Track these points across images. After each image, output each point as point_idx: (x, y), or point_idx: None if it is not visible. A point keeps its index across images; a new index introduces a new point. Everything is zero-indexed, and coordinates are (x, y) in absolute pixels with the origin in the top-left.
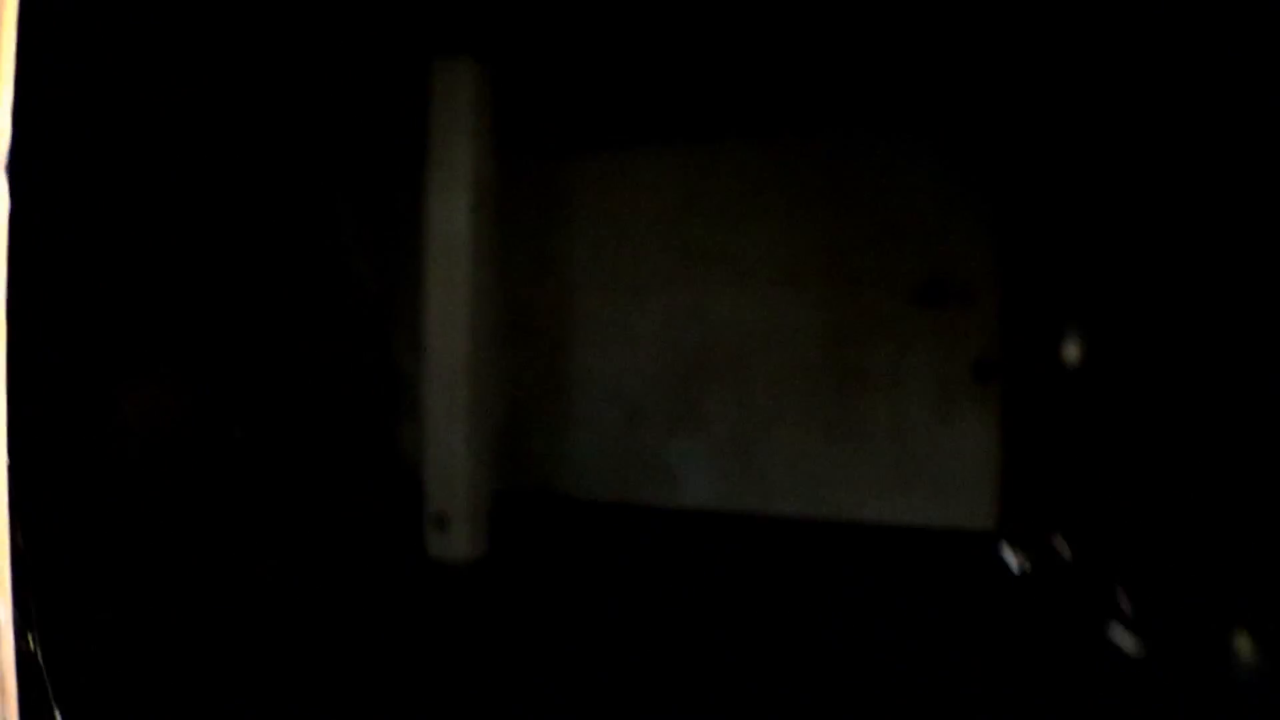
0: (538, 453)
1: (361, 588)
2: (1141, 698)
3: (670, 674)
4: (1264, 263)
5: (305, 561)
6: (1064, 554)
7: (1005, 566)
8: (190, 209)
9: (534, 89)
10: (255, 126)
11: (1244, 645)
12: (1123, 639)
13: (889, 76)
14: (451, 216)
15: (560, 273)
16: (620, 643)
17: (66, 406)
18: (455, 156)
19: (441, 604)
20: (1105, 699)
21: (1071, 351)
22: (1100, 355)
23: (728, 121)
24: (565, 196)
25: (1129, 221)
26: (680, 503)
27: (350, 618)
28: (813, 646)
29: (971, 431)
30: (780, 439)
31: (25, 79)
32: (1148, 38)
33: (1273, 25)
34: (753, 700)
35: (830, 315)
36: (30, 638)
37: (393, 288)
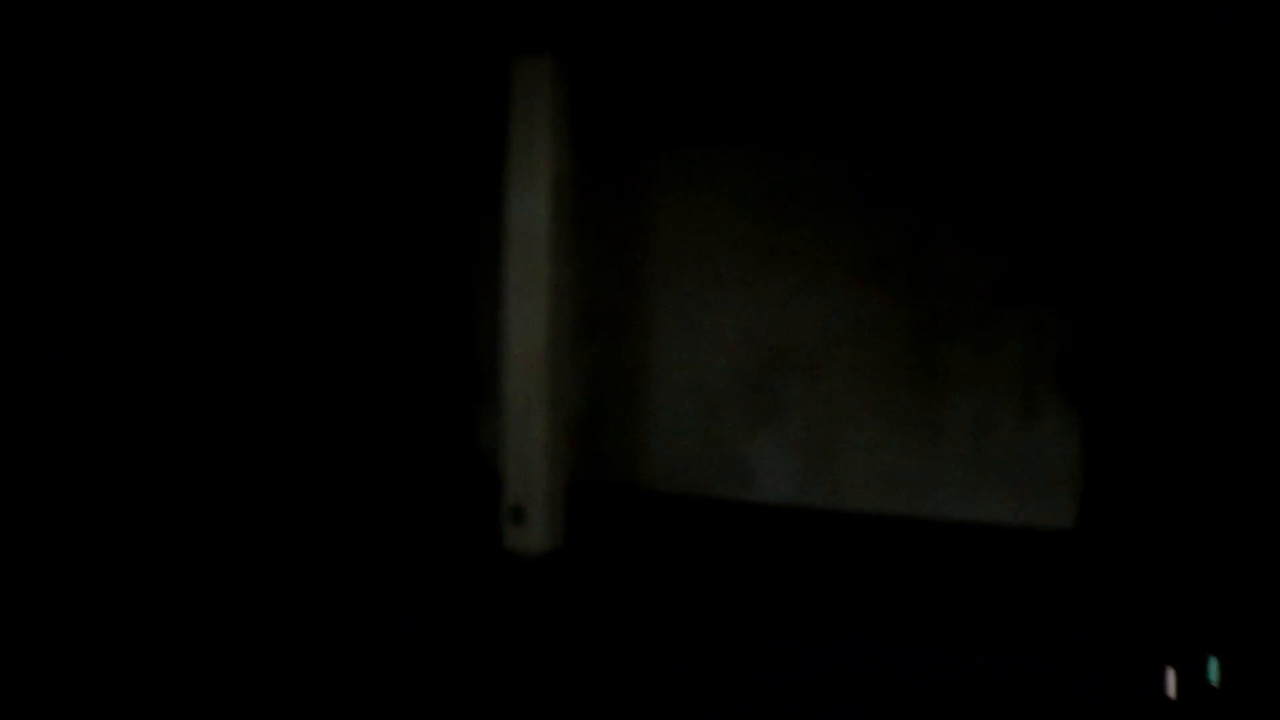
0: (615, 446)
1: (439, 579)
2: None
3: (741, 665)
4: None
5: (384, 554)
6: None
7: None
8: (272, 205)
9: (615, 87)
10: (337, 124)
11: None
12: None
13: (973, 76)
14: (530, 212)
15: (640, 268)
16: (692, 634)
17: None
18: (534, 153)
19: (517, 596)
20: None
21: (1156, 353)
22: (1184, 358)
23: (809, 120)
24: (645, 193)
25: (1222, 226)
26: (757, 498)
27: (428, 608)
28: (887, 641)
29: (1053, 430)
30: (859, 435)
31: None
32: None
33: None
34: (817, 691)
35: (912, 312)
36: None
37: (472, 283)
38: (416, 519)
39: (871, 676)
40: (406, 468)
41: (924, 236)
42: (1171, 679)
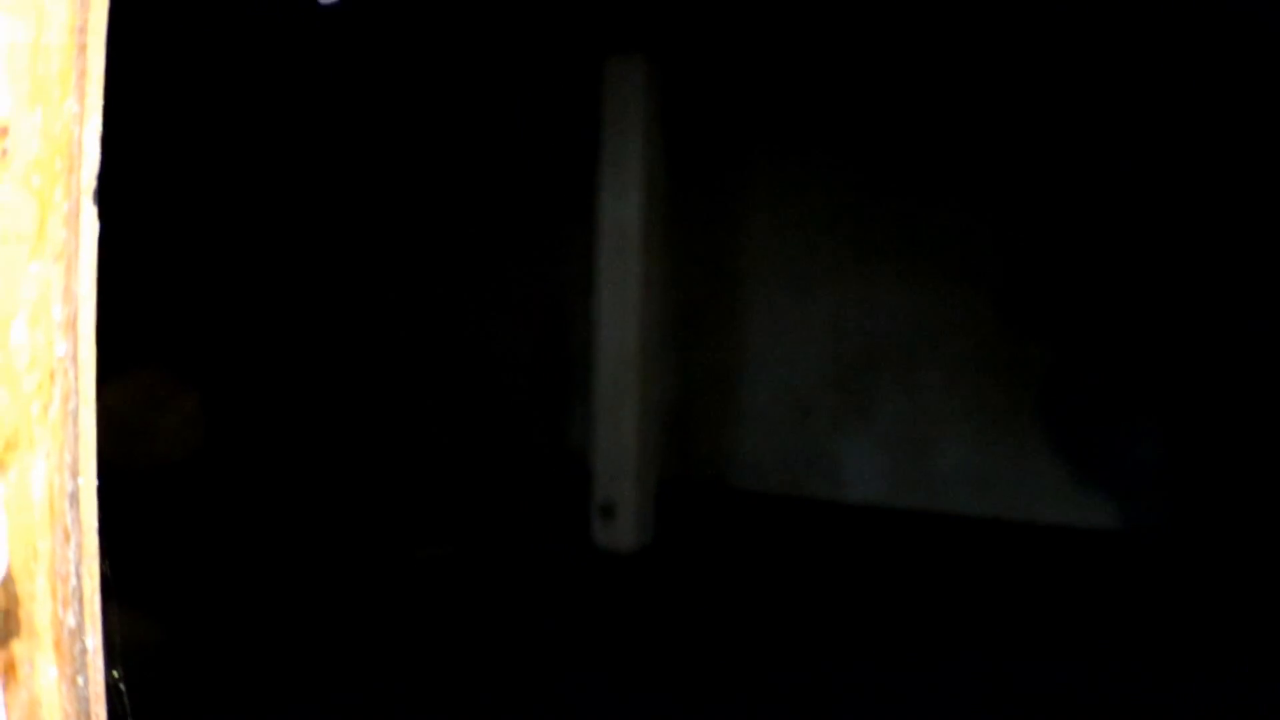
0: (705, 444)
1: (530, 574)
2: None
3: (830, 666)
4: None
5: (476, 548)
6: None
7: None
8: (370, 204)
9: (709, 86)
10: (430, 123)
11: None
12: None
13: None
14: (623, 210)
15: (732, 266)
16: (780, 631)
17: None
18: (626, 152)
19: (607, 592)
20: None
21: (1241, 350)
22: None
23: (901, 120)
24: (737, 191)
25: None
26: (846, 497)
27: (520, 603)
28: (977, 644)
29: (1147, 431)
30: (950, 435)
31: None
32: None
33: None
34: (900, 690)
35: (1002, 310)
36: (116, 671)
37: (565, 281)
38: (508, 515)
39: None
40: (499, 464)
41: (1019, 235)
42: None
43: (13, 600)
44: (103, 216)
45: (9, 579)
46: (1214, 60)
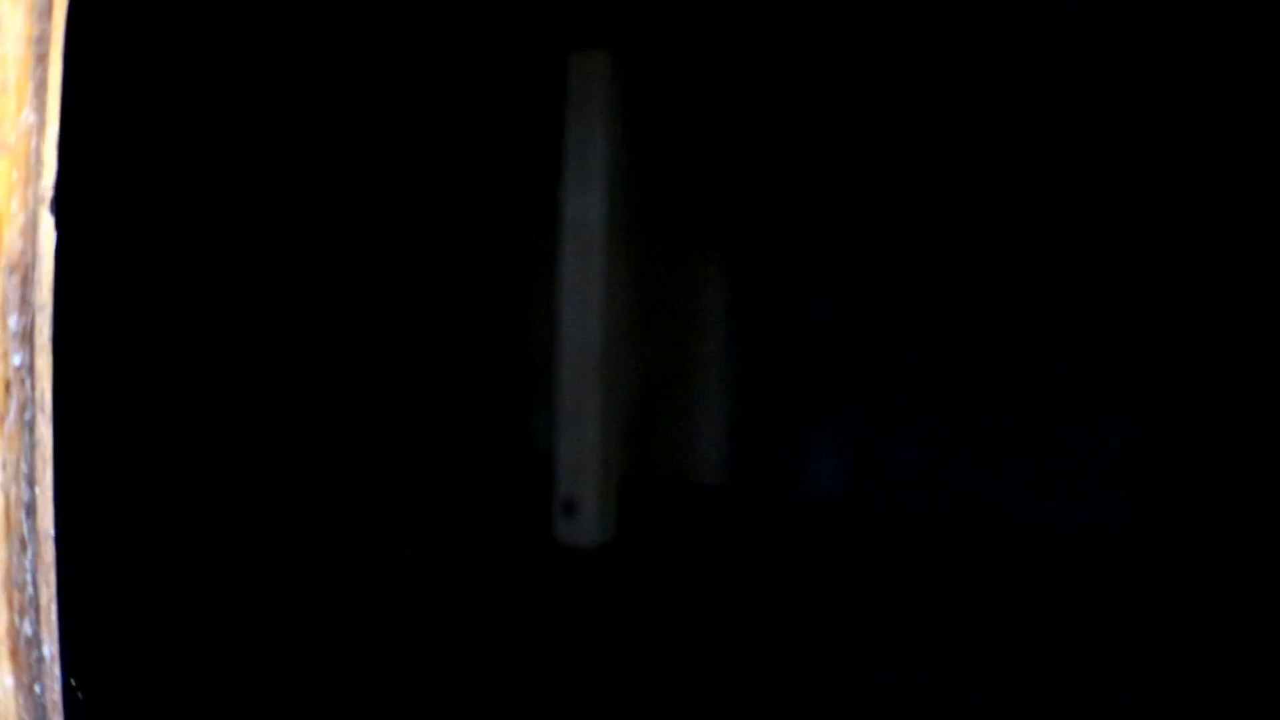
0: (667, 441)
1: (488, 571)
2: None
3: (793, 662)
4: None
5: (433, 545)
6: None
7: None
8: (321, 204)
9: (674, 83)
10: (388, 119)
11: None
12: None
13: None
14: (586, 208)
15: (695, 264)
16: (740, 627)
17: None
18: (589, 148)
19: (567, 588)
20: None
21: (1215, 345)
22: (1232, 345)
23: (870, 121)
24: (702, 189)
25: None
26: (808, 494)
27: (478, 599)
28: (935, 643)
29: (1115, 427)
30: (911, 432)
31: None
32: None
33: None
34: (862, 689)
35: (967, 309)
36: (73, 680)
37: (527, 279)
38: (470, 513)
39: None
40: (460, 462)
41: (979, 230)
42: None
43: None
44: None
45: None
46: (1172, 60)
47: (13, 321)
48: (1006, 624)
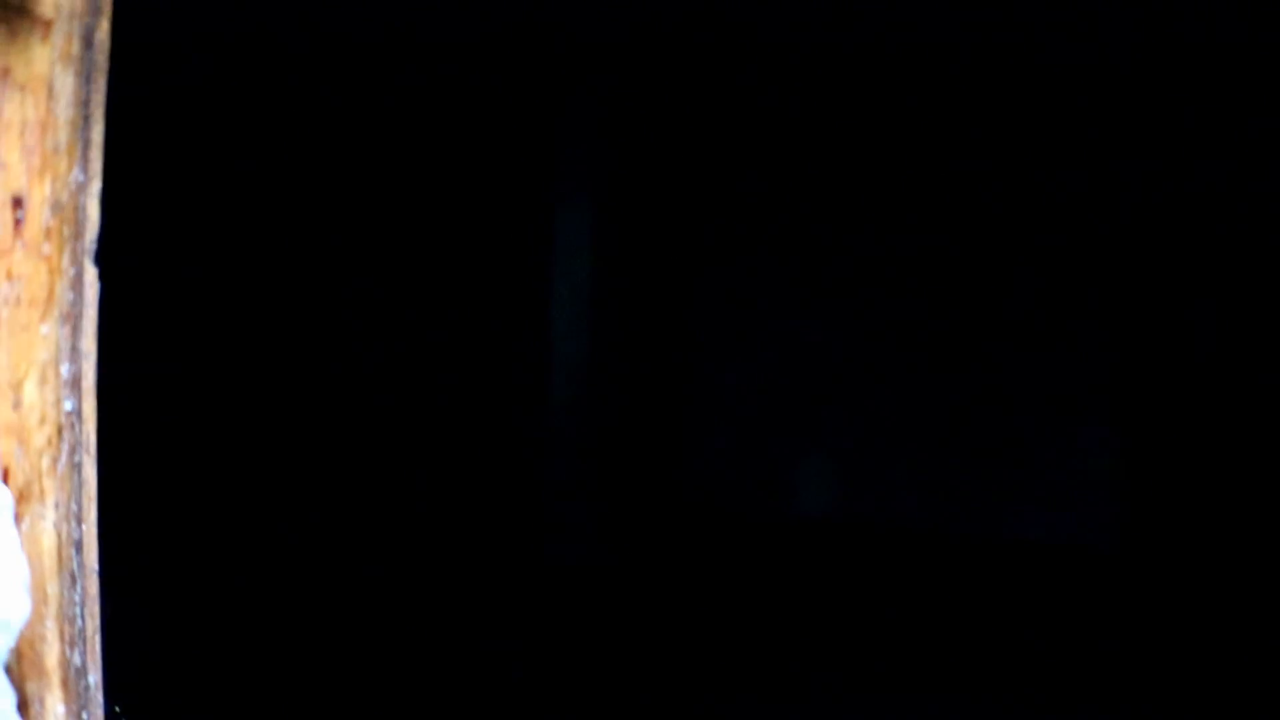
0: (656, 461)
1: (481, 591)
2: None
3: (787, 682)
4: None
5: (425, 565)
6: None
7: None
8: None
9: (664, 99)
10: (383, 131)
11: None
12: None
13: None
14: (578, 223)
15: (684, 283)
16: (732, 650)
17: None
18: (580, 164)
19: (556, 609)
20: None
21: (1199, 359)
22: (1217, 364)
23: (857, 141)
24: (692, 208)
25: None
26: (798, 513)
27: (469, 619)
28: (928, 665)
29: (1099, 447)
30: (901, 451)
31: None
32: None
33: None
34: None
35: (958, 323)
36: (117, 707)
37: (517, 295)
38: (459, 532)
39: None
40: (449, 480)
41: (965, 245)
42: None
43: (25, 642)
44: None
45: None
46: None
47: (65, 369)
48: (990, 640)
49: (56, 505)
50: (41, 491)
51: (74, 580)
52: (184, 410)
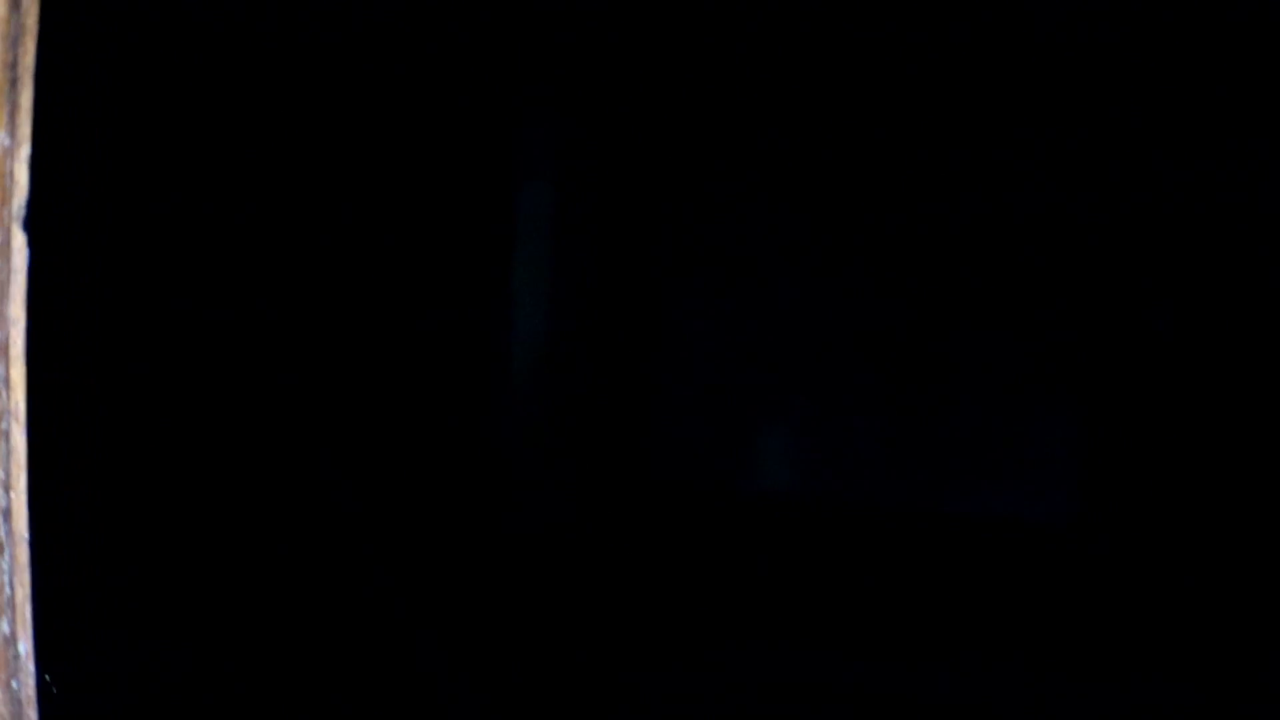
0: (621, 433)
1: (439, 561)
2: None
3: (734, 651)
4: None
5: (387, 534)
6: None
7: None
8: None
9: (630, 73)
10: (343, 114)
11: None
12: None
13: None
14: (541, 205)
15: (649, 257)
16: (694, 624)
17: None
18: (542, 140)
19: (516, 581)
20: None
21: (1156, 334)
22: (1193, 334)
23: (827, 124)
24: (657, 182)
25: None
26: (760, 487)
27: (429, 591)
28: (882, 643)
29: (1058, 421)
30: (867, 428)
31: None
32: None
33: None
34: (806, 678)
35: (921, 300)
36: (48, 675)
37: (480, 269)
38: (420, 504)
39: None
40: (412, 460)
41: (931, 221)
42: None
43: None
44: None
45: None
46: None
47: None
48: (953, 616)
49: None
50: None
51: (2, 548)
52: (144, 380)
